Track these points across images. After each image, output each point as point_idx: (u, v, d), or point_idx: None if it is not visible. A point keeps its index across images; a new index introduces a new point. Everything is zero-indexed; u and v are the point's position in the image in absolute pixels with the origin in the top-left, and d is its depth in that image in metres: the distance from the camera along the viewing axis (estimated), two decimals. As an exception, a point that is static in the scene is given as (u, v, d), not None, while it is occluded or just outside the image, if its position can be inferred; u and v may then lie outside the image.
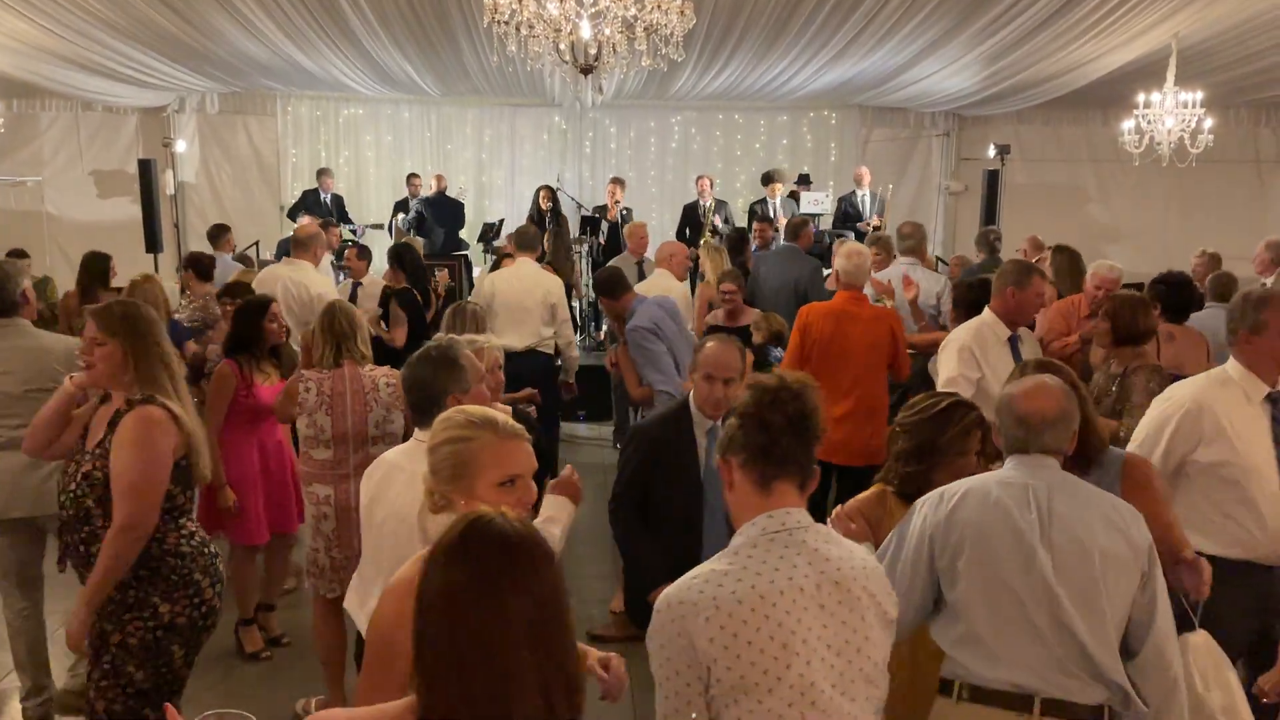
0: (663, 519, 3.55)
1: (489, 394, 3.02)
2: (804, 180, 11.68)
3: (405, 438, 3.90)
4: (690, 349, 5.14)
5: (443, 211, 11.37)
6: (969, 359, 4.36)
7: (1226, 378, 3.33)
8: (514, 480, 2.13)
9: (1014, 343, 4.43)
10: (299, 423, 4.08)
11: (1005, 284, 4.47)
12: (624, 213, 10.71)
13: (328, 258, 8.93)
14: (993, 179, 11.32)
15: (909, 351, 5.40)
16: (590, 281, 10.02)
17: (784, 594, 1.86)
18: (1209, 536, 3.19)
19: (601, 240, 10.44)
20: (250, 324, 4.63)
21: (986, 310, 4.53)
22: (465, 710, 1.41)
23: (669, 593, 1.90)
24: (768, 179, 10.98)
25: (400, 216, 11.48)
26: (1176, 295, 5.01)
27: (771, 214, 10.53)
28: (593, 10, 5.73)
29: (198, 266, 6.78)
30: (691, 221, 10.84)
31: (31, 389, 3.85)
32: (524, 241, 6.83)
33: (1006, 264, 4.69)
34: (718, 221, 10.70)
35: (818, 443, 1.99)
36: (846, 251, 5.33)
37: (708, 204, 10.89)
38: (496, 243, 11.12)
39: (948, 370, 4.39)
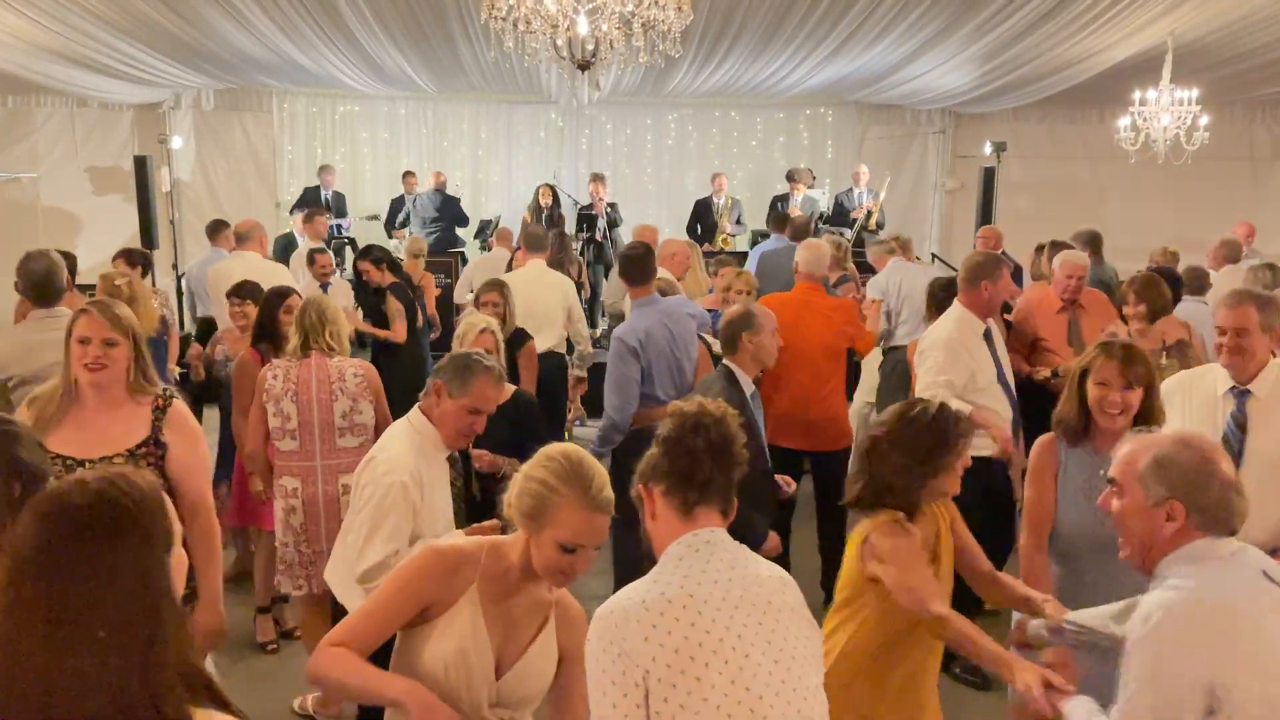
0: (748, 480, 3.60)
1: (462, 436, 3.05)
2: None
3: (377, 431, 3.98)
4: (691, 358, 5.00)
5: (444, 209, 11.41)
6: (958, 357, 4.35)
7: (1211, 366, 3.41)
8: (576, 549, 2.10)
9: (988, 336, 4.47)
10: (268, 411, 4.08)
11: (980, 277, 4.48)
12: (609, 208, 10.75)
13: (307, 247, 8.90)
14: (989, 176, 11.33)
15: None
16: (591, 278, 10.08)
17: (711, 595, 1.84)
18: None
19: (598, 236, 10.46)
20: (270, 313, 4.70)
21: (957, 306, 4.54)
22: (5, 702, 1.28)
23: (600, 609, 1.88)
24: (790, 177, 11.18)
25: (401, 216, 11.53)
26: (1172, 288, 5.09)
27: (790, 209, 10.75)
28: (590, 6, 5.74)
29: (146, 263, 6.78)
30: (704, 218, 10.89)
31: None
32: (534, 243, 6.71)
33: (978, 257, 4.68)
34: (728, 226, 10.76)
35: (739, 471, 1.99)
36: (806, 244, 5.54)
37: (722, 201, 10.94)
38: (489, 238, 11.14)
39: (937, 368, 4.33)
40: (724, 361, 4.04)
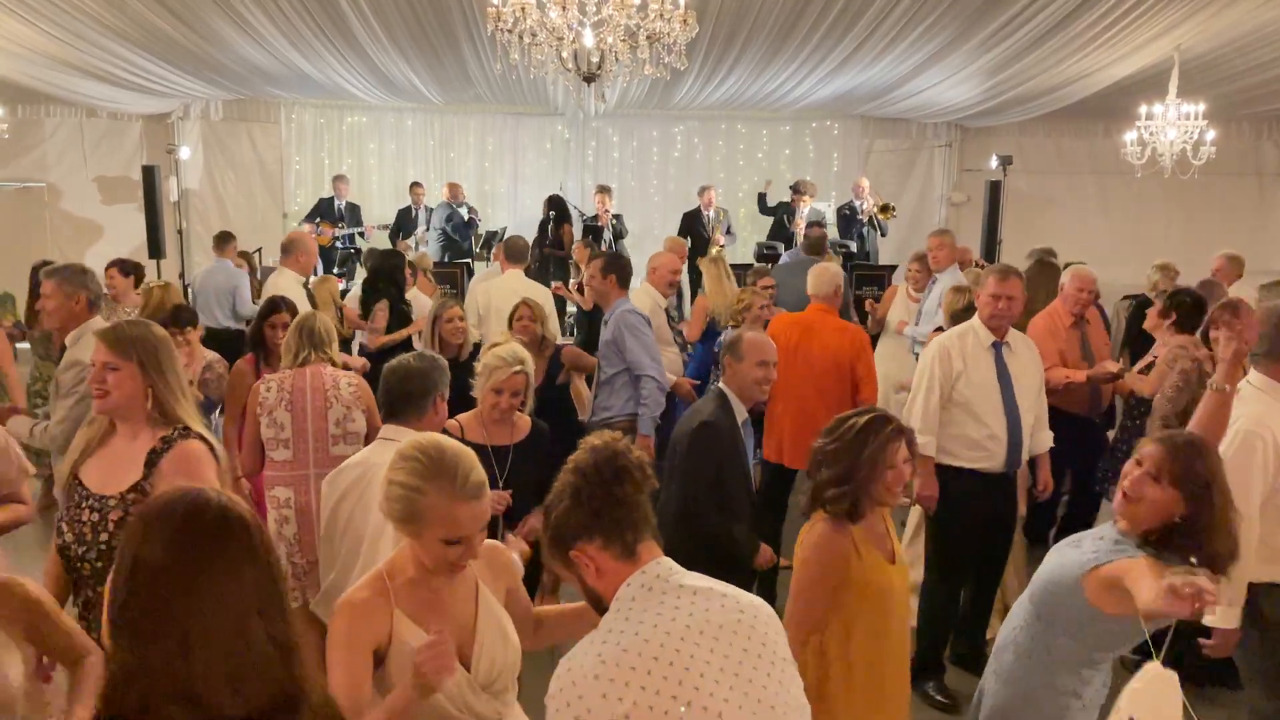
0: (735, 502, 3.68)
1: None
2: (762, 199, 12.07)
3: (368, 438, 3.94)
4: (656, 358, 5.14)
5: (453, 223, 11.48)
6: (940, 363, 4.39)
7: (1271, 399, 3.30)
8: (460, 540, 2.08)
9: (998, 349, 4.42)
10: (261, 423, 4.08)
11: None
12: (614, 221, 10.80)
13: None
14: (995, 190, 11.32)
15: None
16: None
17: (670, 634, 1.74)
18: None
19: (603, 248, 10.49)
20: (260, 325, 4.82)
21: (975, 315, 4.55)
22: (149, 679, 1.40)
23: (559, 668, 1.77)
24: (796, 189, 11.31)
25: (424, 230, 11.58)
26: (1198, 311, 5.01)
27: (793, 222, 10.98)
28: (595, 19, 5.76)
29: (138, 273, 6.79)
30: (692, 231, 10.92)
31: None
32: (514, 253, 6.86)
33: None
34: (720, 238, 10.80)
35: (651, 486, 1.91)
36: (817, 268, 5.56)
37: (712, 214, 10.99)
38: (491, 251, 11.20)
39: (919, 375, 4.47)
40: (720, 384, 3.92)
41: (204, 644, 1.39)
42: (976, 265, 8.22)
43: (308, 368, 4.09)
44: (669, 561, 1.88)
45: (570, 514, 1.85)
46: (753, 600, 1.89)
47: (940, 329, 5.48)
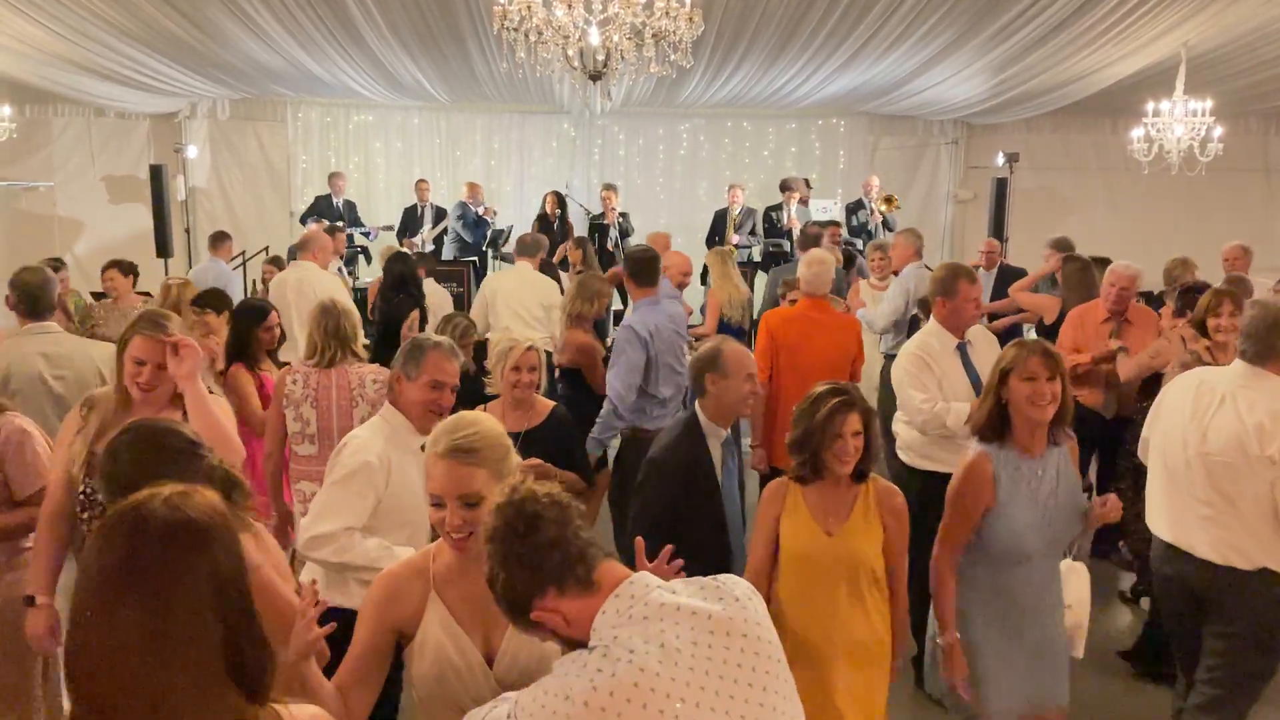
0: (695, 539, 3.23)
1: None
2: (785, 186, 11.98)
3: None
4: (685, 363, 5.03)
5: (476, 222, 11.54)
6: (925, 368, 4.31)
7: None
8: (442, 502, 2.07)
9: (963, 349, 4.40)
10: (286, 415, 4.11)
11: (935, 293, 4.44)
12: (620, 218, 10.82)
13: (335, 263, 8.96)
14: (1001, 187, 11.31)
15: None
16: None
17: (664, 660, 1.63)
18: None
19: (610, 246, 10.51)
20: (247, 330, 4.69)
21: (930, 320, 4.51)
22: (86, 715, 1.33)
23: (558, 696, 1.65)
24: (784, 186, 11.28)
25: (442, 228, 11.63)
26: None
27: (785, 220, 10.96)
28: (601, 17, 5.77)
29: (135, 272, 6.85)
30: (720, 228, 11.02)
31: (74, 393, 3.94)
32: (524, 249, 7.23)
33: (939, 272, 4.53)
34: (738, 238, 10.82)
35: (580, 511, 1.83)
36: (808, 260, 5.30)
37: (737, 211, 11.04)
38: (505, 249, 11.20)
39: (907, 399, 4.33)
40: (694, 406, 3.56)
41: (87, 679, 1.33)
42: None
43: (334, 367, 4.11)
44: (641, 578, 1.76)
45: (513, 582, 1.75)
46: (743, 595, 1.78)
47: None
